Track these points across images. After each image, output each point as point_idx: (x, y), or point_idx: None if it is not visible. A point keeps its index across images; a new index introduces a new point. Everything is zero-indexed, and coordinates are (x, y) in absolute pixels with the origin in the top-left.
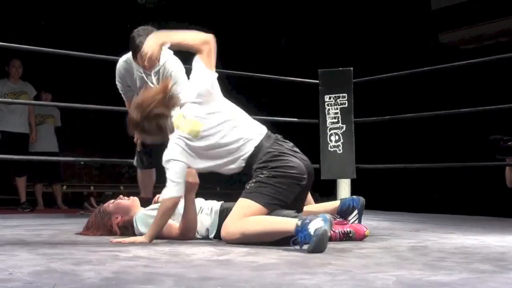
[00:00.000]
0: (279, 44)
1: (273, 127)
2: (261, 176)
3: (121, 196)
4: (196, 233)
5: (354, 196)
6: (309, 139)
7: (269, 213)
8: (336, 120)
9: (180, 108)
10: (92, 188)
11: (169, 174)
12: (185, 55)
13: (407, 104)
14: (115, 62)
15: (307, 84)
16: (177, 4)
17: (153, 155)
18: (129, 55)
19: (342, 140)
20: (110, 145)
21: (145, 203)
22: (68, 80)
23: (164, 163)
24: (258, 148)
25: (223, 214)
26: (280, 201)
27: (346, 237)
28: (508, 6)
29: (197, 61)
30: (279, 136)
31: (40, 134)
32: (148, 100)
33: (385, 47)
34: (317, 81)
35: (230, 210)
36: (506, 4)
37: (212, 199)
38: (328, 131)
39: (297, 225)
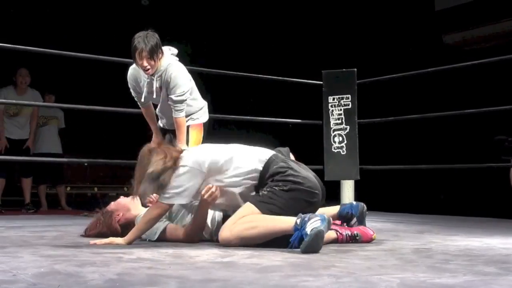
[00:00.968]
0: (282, 45)
1: (277, 128)
2: (276, 188)
3: (121, 196)
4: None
5: (354, 203)
6: (312, 140)
7: None
8: (339, 121)
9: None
10: (96, 189)
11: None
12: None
13: (411, 105)
14: (119, 63)
15: (311, 85)
16: (180, 3)
17: None
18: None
19: (345, 141)
20: (114, 146)
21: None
22: (71, 81)
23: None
24: (270, 160)
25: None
26: (286, 214)
27: (352, 240)
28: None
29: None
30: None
31: (44, 135)
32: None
33: (389, 48)
34: (321, 82)
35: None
36: (510, 5)
37: None
38: (331, 132)
39: (296, 223)
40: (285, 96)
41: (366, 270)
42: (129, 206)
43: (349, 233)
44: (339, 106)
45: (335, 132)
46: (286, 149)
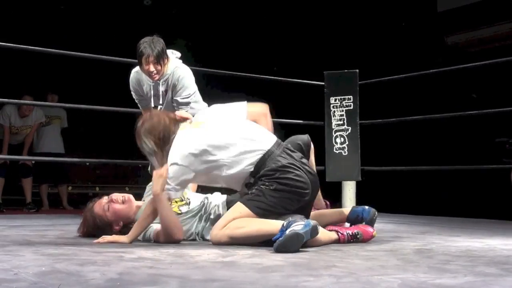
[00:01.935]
0: (284, 47)
1: (279, 129)
2: (263, 186)
3: (113, 196)
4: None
5: (366, 207)
6: (314, 141)
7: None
8: (341, 122)
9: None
10: (97, 189)
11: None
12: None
13: (413, 106)
14: (121, 63)
15: (313, 86)
16: (181, 3)
17: None
18: (139, 70)
19: (347, 142)
20: (116, 146)
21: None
22: (74, 81)
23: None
24: (267, 155)
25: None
26: (276, 213)
27: (354, 238)
28: None
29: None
30: (289, 145)
31: (47, 135)
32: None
33: (391, 49)
34: (323, 83)
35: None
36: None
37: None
38: (333, 133)
39: (282, 225)
40: (287, 96)
41: (367, 270)
42: (127, 212)
43: (350, 232)
44: (341, 107)
45: (337, 133)
46: (305, 137)
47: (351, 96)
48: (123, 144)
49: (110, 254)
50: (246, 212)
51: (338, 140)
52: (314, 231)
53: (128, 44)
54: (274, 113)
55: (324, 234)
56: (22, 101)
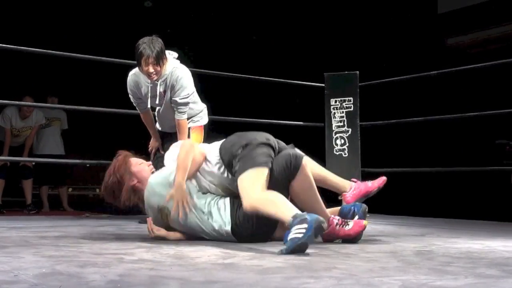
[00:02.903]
0: (286, 48)
1: (279, 130)
2: (239, 152)
3: (143, 161)
4: (213, 232)
5: (357, 202)
6: (314, 143)
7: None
8: (341, 123)
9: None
10: (97, 190)
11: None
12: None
13: (413, 108)
14: (121, 65)
15: (313, 88)
16: (182, 4)
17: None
18: (137, 68)
19: (347, 144)
20: (116, 147)
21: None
22: (75, 82)
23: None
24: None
25: (234, 206)
26: (269, 156)
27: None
28: None
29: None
30: None
31: (47, 137)
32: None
33: (392, 51)
34: (323, 85)
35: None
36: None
37: None
38: (333, 134)
39: (290, 221)
40: (287, 98)
41: (367, 272)
42: (146, 180)
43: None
44: (341, 108)
45: (337, 135)
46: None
47: (352, 98)
48: (123, 146)
49: (110, 256)
50: (257, 171)
51: (338, 141)
52: (318, 230)
53: (129, 46)
54: (274, 114)
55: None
56: (22, 103)
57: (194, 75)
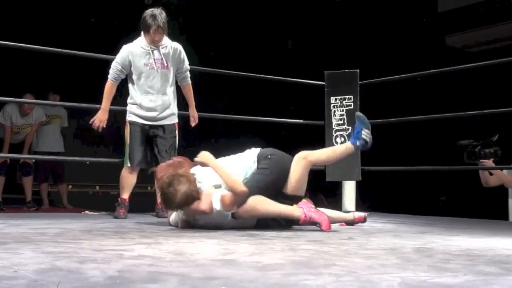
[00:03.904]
0: (285, 46)
1: (279, 128)
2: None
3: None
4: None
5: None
6: (314, 141)
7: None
8: (342, 122)
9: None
10: (97, 187)
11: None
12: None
13: (413, 106)
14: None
15: (313, 86)
16: (183, 4)
17: (146, 154)
18: (137, 39)
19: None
20: (116, 144)
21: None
22: (76, 80)
23: None
24: None
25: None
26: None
27: (313, 224)
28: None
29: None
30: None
31: (47, 134)
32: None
33: (392, 49)
34: (323, 83)
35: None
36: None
37: None
38: (333, 133)
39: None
40: (287, 96)
41: (367, 269)
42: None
43: (313, 218)
44: (341, 106)
45: (337, 133)
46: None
47: (352, 96)
48: (123, 143)
49: (110, 252)
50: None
51: (338, 139)
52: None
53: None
54: (274, 112)
55: (290, 208)
56: (23, 100)
57: (196, 73)
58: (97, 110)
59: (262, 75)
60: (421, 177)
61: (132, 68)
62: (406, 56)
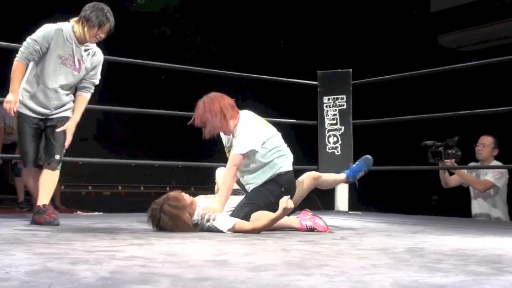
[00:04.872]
0: (278, 45)
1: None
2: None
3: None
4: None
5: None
6: (307, 141)
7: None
8: (334, 121)
9: None
10: (90, 188)
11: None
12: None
13: (406, 106)
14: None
15: (306, 86)
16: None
17: (49, 150)
18: (63, 25)
19: (340, 142)
20: (109, 145)
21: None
22: None
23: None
24: None
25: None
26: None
27: (310, 231)
28: (507, 9)
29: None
30: None
31: None
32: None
33: (385, 49)
34: (316, 83)
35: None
36: (504, 7)
37: None
38: (326, 132)
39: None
40: (280, 96)
41: (359, 269)
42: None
43: (309, 225)
44: (334, 106)
45: (330, 133)
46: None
47: (344, 96)
48: (116, 143)
49: (102, 253)
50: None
51: (331, 139)
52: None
53: (119, 41)
54: (267, 112)
55: (288, 219)
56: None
57: (184, 72)
58: (89, 109)
59: (254, 75)
60: (414, 177)
61: (44, 54)
62: (399, 55)
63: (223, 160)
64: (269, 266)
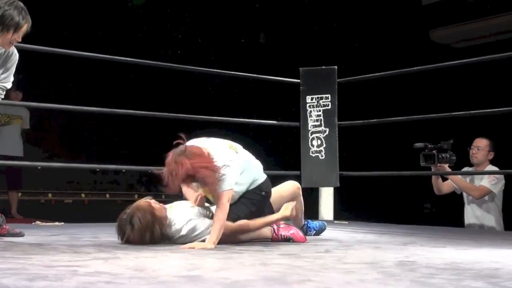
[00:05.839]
0: (257, 41)
1: (251, 130)
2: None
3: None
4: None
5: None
6: (289, 144)
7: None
8: (318, 123)
9: None
10: (50, 195)
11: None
12: None
13: (395, 106)
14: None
15: (288, 84)
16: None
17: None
18: None
19: (324, 145)
20: (72, 149)
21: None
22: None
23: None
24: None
25: None
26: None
27: (286, 241)
28: (501, 3)
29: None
30: None
31: (4, 136)
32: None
33: (373, 44)
34: (299, 81)
35: None
36: (499, 2)
37: None
38: (309, 135)
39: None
40: (259, 95)
41: (344, 285)
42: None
43: (284, 235)
44: (318, 106)
45: (313, 135)
46: None
47: (329, 95)
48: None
49: (62, 268)
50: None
51: (314, 142)
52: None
53: (111, 41)
54: (246, 112)
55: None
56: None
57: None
58: (63, 111)
59: (232, 72)
60: (405, 183)
61: None
62: (388, 51)
63: None
64: (246, 282)
